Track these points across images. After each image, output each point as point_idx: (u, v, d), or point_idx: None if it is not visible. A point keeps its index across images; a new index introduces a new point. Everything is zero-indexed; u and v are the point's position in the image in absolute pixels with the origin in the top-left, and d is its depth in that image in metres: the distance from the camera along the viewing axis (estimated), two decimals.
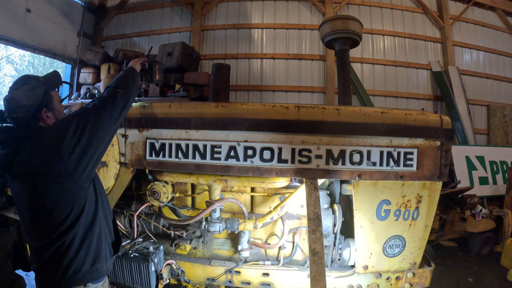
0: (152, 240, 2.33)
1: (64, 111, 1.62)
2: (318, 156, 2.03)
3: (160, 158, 2.15)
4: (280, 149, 2.03)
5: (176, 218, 2.38)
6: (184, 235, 2.33)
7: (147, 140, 2.16)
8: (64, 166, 1.36)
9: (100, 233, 1.53)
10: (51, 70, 1.67)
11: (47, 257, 1.40)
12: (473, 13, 7.06)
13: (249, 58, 6.69)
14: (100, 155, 1.50)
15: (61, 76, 1.65)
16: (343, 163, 2.03)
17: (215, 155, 2.07)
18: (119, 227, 1.89)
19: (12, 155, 1.37)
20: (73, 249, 1.41)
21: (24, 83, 1.40)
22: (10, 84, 1.44)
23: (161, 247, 2.23)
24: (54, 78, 1.55)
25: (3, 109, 1.42)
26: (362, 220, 2.09)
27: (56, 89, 1.57)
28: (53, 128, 1.43)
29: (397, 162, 2.03)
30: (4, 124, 1.47)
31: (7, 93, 1.41)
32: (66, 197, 1.40)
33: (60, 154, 1.35)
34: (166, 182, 2.28)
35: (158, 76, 2.05)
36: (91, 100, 1.62)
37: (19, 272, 2.57)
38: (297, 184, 2.36)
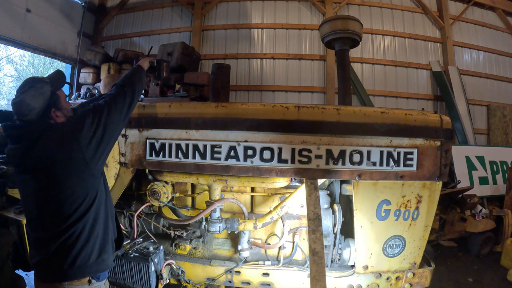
0: (152, 240, 2.33)
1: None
2: (318, 156, 2.03)
3: (160, 158, 2.15)
4: (280, 149, 2.03)
5: (176, 218, 2.38)
6: (184, 235, 2.33)
7: (147, 140, 2.16)
8: (81, 155, 1.43)
9: (106, 225, 1.59)
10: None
11: (56, 248, 1.42)
12: (473, 13, 7.05)
13: (249, 58, 6.68)
14: (109, 150, 1.58)
15: (65, 74, 1.69)
16: (343, 163, 2.03)
17: (215, 155, 2.07)
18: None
19: (25, 150, 1.40)
20: (82, 239, 1.45)
21: (30, 86, 1.42)
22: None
23: (161, 247, 2.24)
24: (59, 78, 1.60)
25: (13, 112, 1.45)
26: (362, 220, 2.09)
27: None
28: (70, 121, 1.50)
29: (397, 162, 2.03)
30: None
31: (14, 97, 1.44)
32: (80, 186, 1.46)
33: (79, 144, 1.42)
34: (166, 182, 2.28)
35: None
36: (100, 97, 1.71)
37: (19, 272, 2.57)
38: (297, 184, 2.36)
